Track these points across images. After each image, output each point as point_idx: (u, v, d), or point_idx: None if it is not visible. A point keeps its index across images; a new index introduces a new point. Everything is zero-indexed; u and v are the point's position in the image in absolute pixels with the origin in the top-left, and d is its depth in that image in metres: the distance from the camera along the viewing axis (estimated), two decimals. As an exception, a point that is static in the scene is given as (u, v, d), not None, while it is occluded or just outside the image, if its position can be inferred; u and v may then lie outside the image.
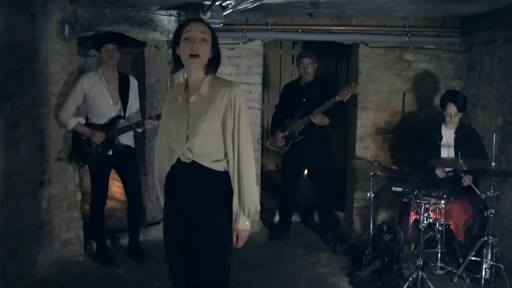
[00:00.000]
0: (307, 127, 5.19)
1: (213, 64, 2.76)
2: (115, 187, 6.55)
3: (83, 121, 4.68)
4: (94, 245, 5.02)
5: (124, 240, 5.22)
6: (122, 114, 4.79)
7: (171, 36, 5.35)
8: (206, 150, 2.71)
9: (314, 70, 5.34)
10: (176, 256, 2.91)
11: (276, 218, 6.00)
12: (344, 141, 7.17)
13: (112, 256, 4.95)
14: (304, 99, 5.30)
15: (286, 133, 5.33)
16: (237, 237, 2.74)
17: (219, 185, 2.75)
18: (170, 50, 5.20)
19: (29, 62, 4.20)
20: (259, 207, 2.89)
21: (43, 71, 4.49)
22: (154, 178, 3.09)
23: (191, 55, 2.63)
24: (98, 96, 4.66)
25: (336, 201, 5.82)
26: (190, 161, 2.71)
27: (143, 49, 5.94)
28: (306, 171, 5.90)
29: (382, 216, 5.82)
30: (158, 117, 4.48)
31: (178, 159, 2.76)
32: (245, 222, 2.73)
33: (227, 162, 2.73)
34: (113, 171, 4.97)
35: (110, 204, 6.61)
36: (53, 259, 4.72)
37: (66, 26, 4.60)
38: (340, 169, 6.57)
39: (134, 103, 4.92)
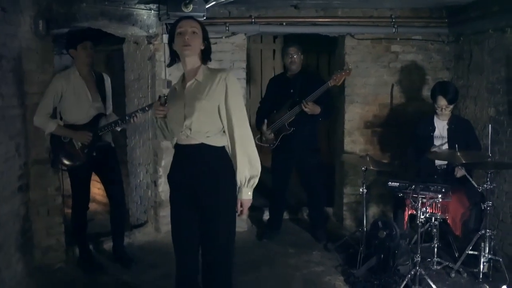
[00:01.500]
0: (297, 118, 5.05)
1: (205, 55, 3.10)
2: (96, 189, 6.31)
3: (61, 123, 4.43)
4: (77, 251, 4.79)
5: (108, 245, 5.01)
6: (103, 112, 4.57)
7: (151, 31, 5.20)
8: (204, 127, 2.98)
9: (300, 61, 5.23)
10: (184, 235, 3.13)
11: (265, 216, 5.85)
12: (329, 136, 7.06)
13: (96, 262, 4.72)
14: (291, 91, 5.17)
15: (274, 126, 5.17)
16: (242, 206, 3.05)
17: (218, 160, 3.02)
18: (150, 46, 5.11)
19: (1, 61, 3.95)
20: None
21: (16, 70, 4.24)
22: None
23: (184, 45, 2.96)
24: (76, 95, 4.41)
25: (325, 197, 5.68)
26: (188, 138, 2.99)
27: (118, 46, 5.73)
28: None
29: (373, 211, 5.73)
30: (143, 110, 4.36)
31: (177, 143, 3.07)
32: (248, 192, 3.02)
33: (228, 140, 3.01)
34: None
35: (91, 206, 6.29)
36: (34, 267, 4.48)
37: (41, 22, 4.35)
38: (326, 164, 6.45)
39: (110, 101, 4.72)
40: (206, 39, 3.07)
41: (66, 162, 4.42)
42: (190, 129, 2.97)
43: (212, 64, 5.22)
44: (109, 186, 4.75)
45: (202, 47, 3.04)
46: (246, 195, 3.03)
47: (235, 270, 4.46)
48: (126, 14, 4.98)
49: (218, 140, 3.02)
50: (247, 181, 3.00)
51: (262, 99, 5.62)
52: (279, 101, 5.24)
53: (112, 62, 6.62)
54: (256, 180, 3.03)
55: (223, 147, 3.04)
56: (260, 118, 5.38)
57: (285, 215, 5.96)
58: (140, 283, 4.37)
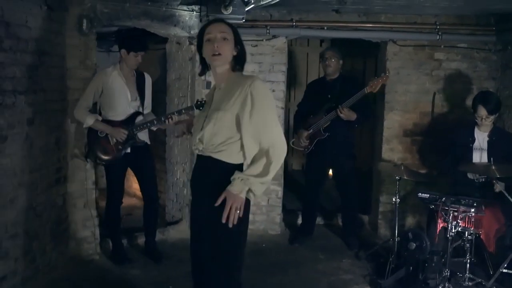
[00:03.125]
0: (333, 123, 5.02)
1: (238, 61, 2.80)
2: (136, 184, 6.44)
3: (100, 118, 4.56)
4: (110, 243, 4.91)
5: (142, 240, 5.12)
6: (140, 111, 4.67)
7: (192, 32, 5.27)
8: (215, 140, 2.69)
9: (337, 66, 5.17)
10: (192, 248, 2.90)
11: (299, 220, 5.81)
12: (370, 142, 6.94)
13: (127, 256, 4.84)
14: (329, 95, 5.13)
15: (311, 131, 5.15)
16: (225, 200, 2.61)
17: (227, 178, 2.64)
18: (192, 47, 5.16)
19: (45, 56, 4.11)
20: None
21: (60, 66, 4.41)
22: None
23: (214, 55, 2.68)
24: (116, 92, 4.53)
25: (360, 204, 5.60)
26: (200, 152, 2.76)
27: (164, 45, 5.83)
28: (331, 172, 5.72)
29: (409, 221, 5.60)
30: (179, 112, 4.40)
31: (197, 153, 2.82)
32: (239, 186, 2.59)
33: (243, 154, 2.66)
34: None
35: (131, 201, 6.57)
36: (68, 257, 4.63)
37: (85, 21, 4.50)
38: (366, 171, 6.36)
39: (149, 101, 4.81)
40: (239, 43, 2.76)
41: (100, 156, 4.54)
42: (202, 142, 2.72)
43: (251, 66, 5.42)
44: (143, 182, 4.86)
45: (235, 53, 2.75)
46: (237, 188, 2.58)
47: (262, 272, 4.54)
48: (169, 14, 5.07)
49: (232, 156, 2.68)
50: (247, 177, 2.59)
51: (300, 102, 5.59)
52: (316, 105, 5.21)
53: (157, 62, 6.75)
54: (260, 186, 2.62)
55: (236, 166, 2.66)
56: (298, 122, 5.38)
57: (320, 220, 5.92)
58: (168, 278, 4.43)
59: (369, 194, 6.04)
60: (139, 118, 4.64)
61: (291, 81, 7.67)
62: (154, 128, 4.69)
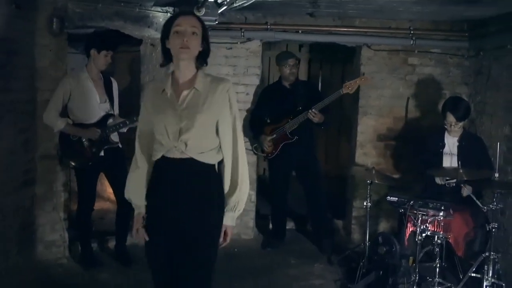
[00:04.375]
0: (300, 126, 5.00)
1: (203, 57, 2.72)
2: (110, 188, 6.37)
3: (71, 121, 4.49)
4: (79, 247, 4.83)
5: (112, 243, 5.05)
6: (112, 112, 4.62)
7: (167, 33, 5.21)
8: (201, 143, 2.66)
9: (296, 70, 5.18)
10: (161, 262, 2.74)
11: (270, 225, 5.78)
12: (344, 147, 6.95)
13: (96, 260, 4.78)
14: (293, 100, 5.10)
15: (274, 135, 5.11)
16: (225, 234, 2.74)
17: (209, 180, 2.70)
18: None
19: (13, 56, 4.05)
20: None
21: (29, 66, 4.34)
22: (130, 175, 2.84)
23: (182, 47, 2.58)
24: (85, 95, 4.47)
25: (334, 209, 5.58)
26: (181, 153, 2.63)
27: (138, 48, 5.77)
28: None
29: (383, 226, 5.60)
30: None
31: (163, 155, 2.66)
32: (234, 218, 2.75)
33: (223, 159, 2.72)
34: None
35: (104, 205, 6.49)
36: (35, 261, 4.56)
37: (55, 20, 4.44)
38: (338, 176, 6.35)
39: (116, 104, 4.77)
40: (205, 39, 2.67)
41: (74, 160, 4.49)
42: (186, 145, 2.61)
43: (225, 69, 5.39)
44: (116, 186, 4.79)
45: (201, 49, 2.66)
46: (232, 221, 2.73)
47: (234, 276, 4.49)
48: (142, 15, 5.04)
49: (211, 157, 2.69)
50: (235, 205, 2.70)
51: (254, 108, 5.43)
52: (276, 110, 5.17)
53: (131, 64, 6.69)
54: (243, 206, 2.74)
55: (214, 165, 2.71)
56: (256, 128, 5.29)
57: (293, 225, 5.90)
58: (137, 282, 4.37)
59: (343, 199, 6.03)
60: (110, 120, 4.58)
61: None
62: (125, 129, 4.64)
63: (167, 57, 2.71)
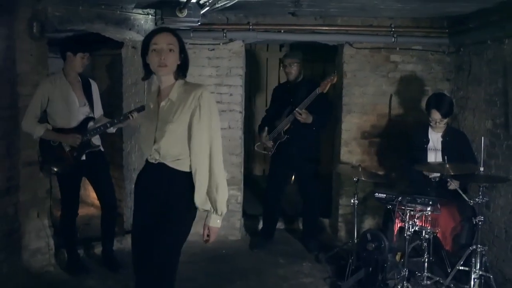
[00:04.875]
0: (293, 126, 5.04)
1: (182, 70, 2.89)
2: (94, 193, 6.29)
3: (50, 127, 4.42)
4: (65, 254, 4.76)
5: (99, 249, 4.98)
6: (91, 116, 4.56)
7: (148, 35, 5.17)
8: (172, 152, 2.82)
9: (298, 70, 5.18)
10: (136, 237, 3.00)
11: (260, 225, 5.78)
12: (329, 145, 6.97)
13: (83, 266, 4.70)
14: (291, 99, 5.14)
15: (272, 134, 5.18)
16: (208, 235, 2.89)
17: (182, 185, 2.84)
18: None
19: (-7, 61, 3.97)
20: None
21: (10, 71, 4.26)
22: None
23: (160, 66, 2.77)
24: (64, 99, 4.40)
25: (321, 208, 5.60)
26: (157, 162, 2.85)
27: (119, 50, 5.73)
28: (293, 177, 5.72)
29: (369, 223, 5.63)
30: (139, 110, 4.34)
31: (147, 160, 2.93)
32: (217, 220, 2.86)
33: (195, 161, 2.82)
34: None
35: (88, 210, 6.42)
36: (21, 269, 4.46)
37: (35, 24, 4.36)
38: (326, 174, 6.37)
39: (98, 106, 4.71)
40: (183, 51, 2.85)
41: (56, 166, 4.42)
42: (159, 153, 2.82)
43: (208, 70, 5.37)
44: (99, 190, 4.74)
45: (179, 62, 2.84)
46: (215, 222, 2.85)
47: (223, 278, 4.48)
48: (123, 18, 4.98)
49: (185, 165, 2.82)
50: (217, 207, 2.82)
51: (268, 107, 5.66)
52: (281, 109, 5.23)
53: (114, 67, 6.63)
54: (225, 208, 2.86)
55: (187, 173, 2.82)
56: (262, 126, 5.40)
57: (280, 225, 5.89)
58: (125, 287, 4.31)
59: (329, 197, 6.05)
60: (91, 124, 4.53)
61: (252, 86, 7.67)
62: (113, 130, 4.60)
63: (148, 71, 2.90)
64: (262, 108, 7.89)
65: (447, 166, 3.97)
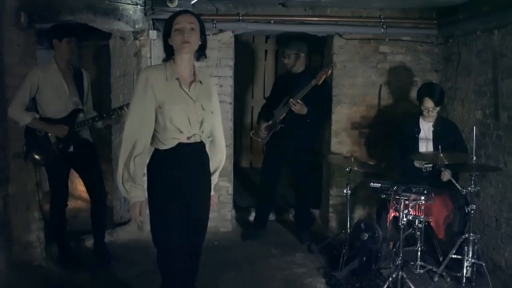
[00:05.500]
0: (289, 116, 5.03)
1: (201, 51, 3.05)
2: (81, 186, 6.23)
3: (38, 115, 4.34)
4: (57, 247, 4.70)
5: (89, 242, 4.94)
6: (80, 107, 4.49)
7: (137, 26, 5.13)
8: (208, 131, 3.11)
9: (296, 61, 5.19)
10: (177, 238, 3.00)
11: (251, 217, 5.78)
12: (318, 137, 7.00)
13: (76, 259, 4.65)
14: (289, 89, 5.12)
15: (270, 122, 5.18)
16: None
17: (207, 158, 3.15)
18: (136, 42, 5.04)
19: (-20, 52, 3.89)
20: None
21: (-4, 62, 4.17)
22: (119, 161, 2.94)
23: (183, 42, 2.88)
24: (54, 88, 4.32)
25: (313, 199, 5.62)
26: (198, 141, 3.01)
27: (107, 41, 5.66)
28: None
29: (359, 213, 5.67)
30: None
31: (179, 143, 2.95)
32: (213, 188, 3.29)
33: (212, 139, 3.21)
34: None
35: (76, 204, 6.35)
36: (11, 264, 4.39)
37: (22, 14, 4.27)
38: (314, 165, 6.39)
39: (89, 97, 4.65)
40: (203, 34, 3.00)
41: (39, 156, 4.33)
42: (203, 132, 3.02)
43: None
44: (89, 182, 4.68)
45: (200, 43, 2.99)
46: (213, 191, 3.26)
47: (215, 269, 4.47)
48: (112, 8, 4.91)
49: (208, 141, 3.17)
50: (215, 179, 3.27)
51: (268, 96, 5.72)
52: (279, 99, 5.22)
53: (101, 58, 6.55)
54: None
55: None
56: (261, 114, 5.43)
57: (272, 216, 5.90)
58: (119, 280, 4.31)
59: (319, 188, 6.07)
60: (81, 116, 4.46)
61: (236, 77, 7.64)
62: (101, 125, 4.54)
63: (168, 53, 3.02)
64: (247, 99, 7.91)
65: (441, 155, 4.01)
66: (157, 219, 3.02)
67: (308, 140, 5.22)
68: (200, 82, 3.01)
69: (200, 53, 3.05)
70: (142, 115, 2.90)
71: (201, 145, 3.05)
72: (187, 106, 2.94)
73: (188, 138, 2.96)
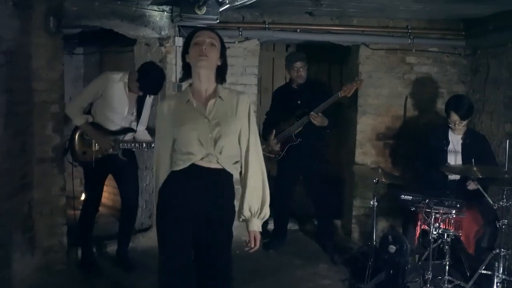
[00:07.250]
0: (305, 129, 4.98)
1: (221, 73, 2.83)
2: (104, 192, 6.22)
3: (91, 119, 4.43)
4: (79, 253, 4.69)
5: (111, 248, 4.94)
6: (134, 128, 4.55)
7: (163, 33, 5.12)
8: (231, 152, 2.79)
9: (306, 72, 5.15)
10: (185, 266, 2.86)
11: (270, 226, 5.72)
12: (338, 146, 6.93)
13: (97, 266, 4.63)
14: (299, 101, 5.09)
15: (281, 137, 5.11)
16: (255, 239, 2.88)
17: (233, 192, 2.86)
18: (162, 48, 5.01)
19: (12, 56, 3.88)
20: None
21: (26, 66, 4.17)
22: (153, 184, 2.98)
23: (200, 55, 2.68)
24: (115, 101, 4.39)
25: (333, 209, 5.56)
26: (212, 166, 2.74)
27: (130, 47, 5.66)
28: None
29: (382, 225, 5.59)
30: None
31: (192, 164, 2.73)
32: (259, 224, 2.89)
33: (241, 166, 2.84)
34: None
35: (95, 209, 6.32)
36: (34, 268, 4.38)
37: (51, 19, 4.29)
38: (335, 176, 6.32)
39: (145, 119, 4.69)
40: (223, 55, 2.81)
41: (75, 157, 4.43)
42: (220, 153, 2.72)
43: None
44: (124, 189, 4.69)
45: (219, 63, 2.78)
46: (258, 227, 2.87)
47: (238, 279, 4.40)
48: (139, 14, 4.92)
49: (236, 169, 2.83)
50: (259, 211, 2.83)
51: (269, 110, 5.51)
52: (285, 112, 5.16)
53: (122, 65, 6.55)
54: (268, 212, 2.87)
55: (232, 176, 2.83)
56: (268, 129, 5.30)
57: (293, 226, 5.86)
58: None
59: (340, 198, 6.00)
60: (129, 135, 4.51)
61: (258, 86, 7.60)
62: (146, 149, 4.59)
63: (186, 72, 2.83)
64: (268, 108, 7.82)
65: (474, 169, 3.94)
66: (160, 241, 2.89)
67: (322, 151, 5.22)
68: (220, 97, 2.75)
69: (220, 75, 2.82)
70: (162, 144, 2.85)
71: (221, 172, 2.75)
72: (196, 124, 2.72)
73: (202, 159, 2.71)
